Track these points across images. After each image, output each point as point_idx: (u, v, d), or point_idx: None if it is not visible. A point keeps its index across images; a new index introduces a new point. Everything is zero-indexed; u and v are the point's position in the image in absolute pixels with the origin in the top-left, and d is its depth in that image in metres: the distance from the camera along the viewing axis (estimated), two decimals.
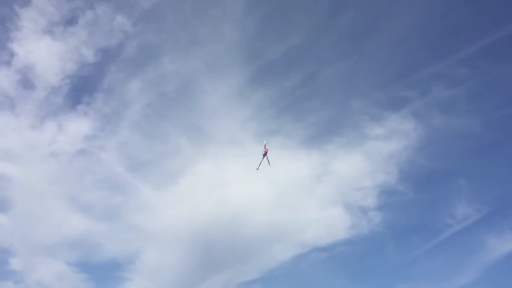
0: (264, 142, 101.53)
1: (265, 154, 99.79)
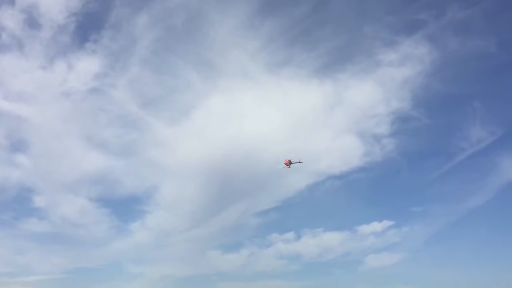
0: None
1: (289, 164, 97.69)
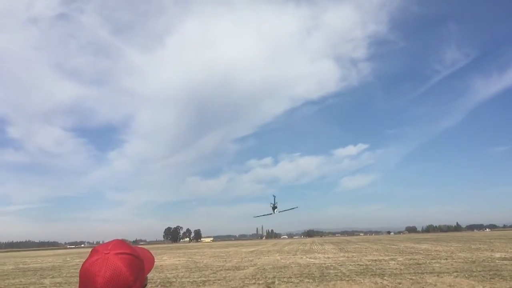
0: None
1: (274, 208, 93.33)
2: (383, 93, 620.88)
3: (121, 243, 1.56)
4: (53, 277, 30.10)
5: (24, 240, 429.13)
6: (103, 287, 1.41)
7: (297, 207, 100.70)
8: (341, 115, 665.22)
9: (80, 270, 1.52)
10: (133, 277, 1.49)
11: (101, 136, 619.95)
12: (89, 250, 1.37)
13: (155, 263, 1.35)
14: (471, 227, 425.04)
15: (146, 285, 1.59)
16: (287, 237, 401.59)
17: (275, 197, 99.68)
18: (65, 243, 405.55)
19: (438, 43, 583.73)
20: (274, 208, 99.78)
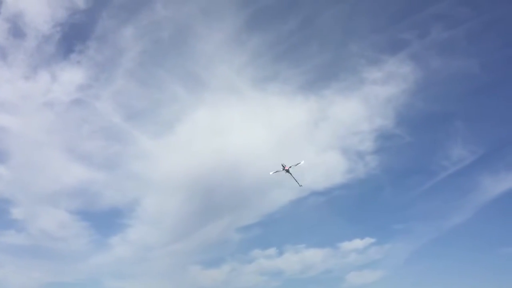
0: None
1: (287, 170, 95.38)
2: (390, 187, 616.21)
3: None
4: None
5: None
6: None
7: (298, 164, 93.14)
8: (348, 208, 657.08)
9: None
10: None
11: (105, 220, 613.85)
12: None
13: None
14: None
15: None
16: None
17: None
18: None
19: (444, 139, 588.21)
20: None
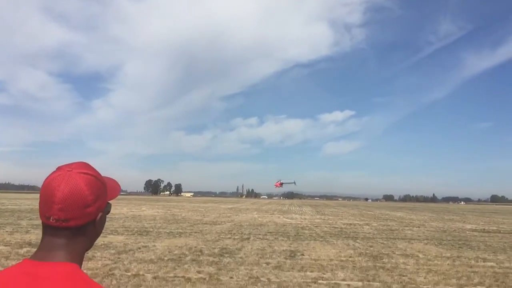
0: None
1: (281, 184, 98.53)
2: (374, 61, 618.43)
3: (86, 164, 1.57)
4: (30, 219, 30.16)
5: (4, 182, 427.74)
6: (61, 201, 1.42)
7: (294, 183, 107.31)
8: (331, 80, 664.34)
9: (42, 184, 1.51)
10: (92, 197, 1.48)
11: (87, 83, 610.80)
12: None
13: (116, 196, 1.35)
14: (446, 199, 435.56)
15: (108, 212, 1.58)
16: (266, 197, 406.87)
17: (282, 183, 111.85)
18: None
19: (434, 13, 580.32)
20: (281, 183, 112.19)
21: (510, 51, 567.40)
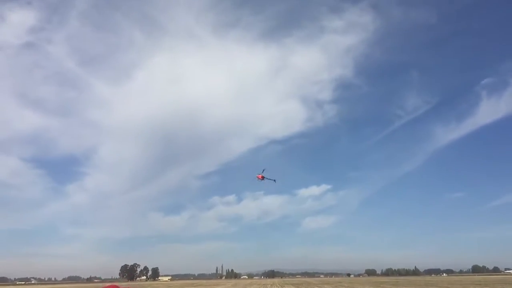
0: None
1: (263, 177, 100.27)
2: (347, 136, 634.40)
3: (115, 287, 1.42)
4: None
5: None
6: None
7: (274, 180, 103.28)
8: (306, 156, 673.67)
9: None
10: None
11: (61, 167, 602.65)
12: (39, 286, 1.31)
13: None
14: (429, 272, 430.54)
15: None
16: (247, 277, 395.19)
17: (263, 170, 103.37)
18: (14, 279, 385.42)
19: (401, 89, 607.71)
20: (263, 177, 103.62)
21: (475, 123, 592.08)
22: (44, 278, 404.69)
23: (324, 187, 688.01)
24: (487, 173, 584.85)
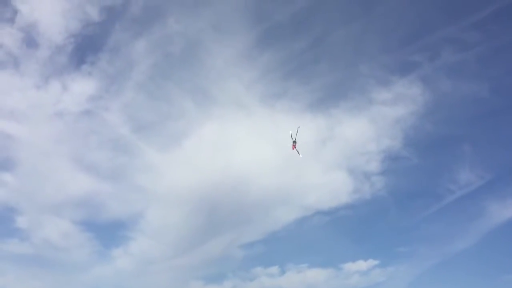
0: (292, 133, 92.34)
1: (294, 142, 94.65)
2: (395, 208, 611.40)
3: None
4: None
5: None
6: None
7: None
8: (352, 228, 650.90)
9: None
10: None
11: (108, 231, 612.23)
12: None
13: None
14: None
15: None
16: None
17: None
18: None
19: (452, 162, 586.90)
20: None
21: None
22: None
23: (371, 262, 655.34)
24: None
